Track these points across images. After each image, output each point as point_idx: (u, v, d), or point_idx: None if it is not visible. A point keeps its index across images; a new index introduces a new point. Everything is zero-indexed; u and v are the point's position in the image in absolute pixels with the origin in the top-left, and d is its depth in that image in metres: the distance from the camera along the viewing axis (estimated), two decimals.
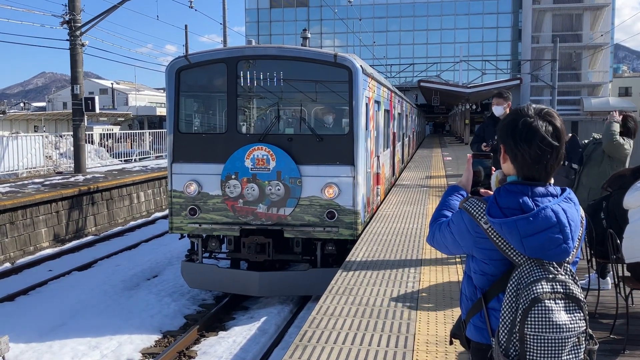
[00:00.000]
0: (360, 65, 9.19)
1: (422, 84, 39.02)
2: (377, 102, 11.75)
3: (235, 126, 9.46)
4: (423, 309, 5.91)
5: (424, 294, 6.40)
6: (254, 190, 9.24)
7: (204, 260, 10.05)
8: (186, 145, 9.60)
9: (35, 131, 37.07)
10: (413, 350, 4.90)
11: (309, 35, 11.41)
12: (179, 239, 10.41)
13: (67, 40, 19.69)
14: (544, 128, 2.24)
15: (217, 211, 9.48)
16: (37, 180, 18.60)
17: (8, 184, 17.36)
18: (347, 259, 7.82)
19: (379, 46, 65.91)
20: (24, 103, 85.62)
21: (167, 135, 9.87)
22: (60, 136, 25.07)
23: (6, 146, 19.43)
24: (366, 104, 9.82)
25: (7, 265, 13.55)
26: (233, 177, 9.29)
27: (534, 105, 2.32)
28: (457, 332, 2.58)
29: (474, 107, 44.03)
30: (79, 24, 19.54)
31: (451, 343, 2.67)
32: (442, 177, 18.20)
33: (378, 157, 11.83)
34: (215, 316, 9.56)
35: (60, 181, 18.23)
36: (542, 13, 63.03)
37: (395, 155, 16.79)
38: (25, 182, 18.05)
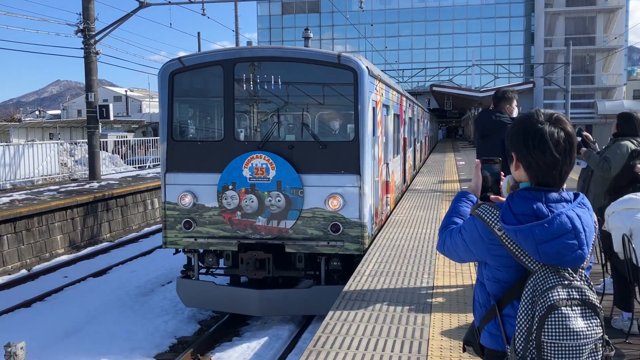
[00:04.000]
0: (366, 67, 8.64)
1: (434, 88, 38.94)
2: (386, 106, 11.19)
3: (232, 133, 8.86)
4: (437, 314, 5.89)
5: (438, 299, 6.37)
6: (252, 201, 8.63)
7: (200, 276, 9.47)
8: (180, 154, 9.01)
9: (51, 139, 37.43)
10: (427, 356, 4.89)
11: (311, 35, 10.80)
12: (174, 254, 9.70)
13: (81, 48, 19.90)
14: (556, 134, 2.24)
15: (214, 224, 8.87)
16: (52, 187, 18.78)
17: (24, 191, 17.54)
18: (360, 265, 7.81)
19: (391, 51, 65.87)
20: (39, 111, 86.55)
21: (160, 143, 9.32)
22: (75, 143, 25.28)
23: (22, 154, 19.64)
24: (373, 108, 9.28)
25: (24, 271, 13.68)
26: (230, 187, 8.68)
27: (543, 111, 2.31)
28: (470, 340, 2.56)
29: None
30: (93, 33, 19.74)
31: (464, 350, 2.66)
32: (455, 181, 18.13)
33: (387, 164, 11.28)
34: (228, 322, 9.58)
35: (75, 188, 18.39)
36: (554, 16, 62.69)
37: (406, 161, 16.24)
38: (41, 189, 18.22)
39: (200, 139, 9.57)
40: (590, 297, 2.15)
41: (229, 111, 8.84)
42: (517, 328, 2.17)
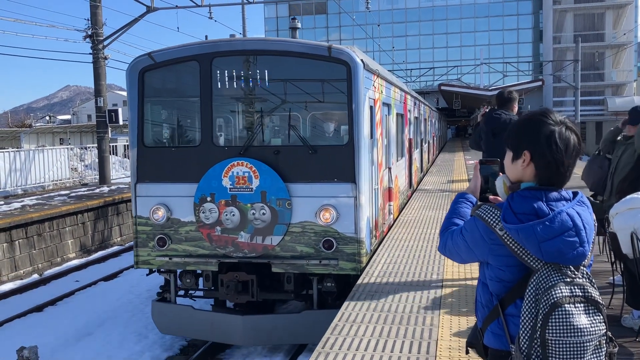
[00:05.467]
0: (361, 60, 7.65)
1: (442, 87, 38.85)
2: (387, 105, 10.20)
3: (210, 137, 7.86)
4: (446, 314, 5.88)
5: (446, 300, 6.36)
6: (233, 215, 7.67)
7: (179, 299, 8.45)
8: (152, 162, 8.05)
9: (61, 144, 37.71)
10: (436, 357, 4.88)
11: (299, 25, 9.70)
12: (147, 274, 8.70)
13: (90, 53, 20.05)
14: (572, 138, 2.30)
15: (191, 241, 7.92)
16: (63, 192, 18.91)
17: (35, 197, 17.68)
18: (369, 266, 7.80)
19: (399, 51, 65.80)
20: (50, 116, 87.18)
21: (129, 149, 8.29)
22: (85, 148, 25.46)
23: (33, 159, 19.80)
24: (371, 106, 8.28)
25: (35, 276, 13.79)
26: (208, 199, 7.72)
27: (553, 114, 2.34)
28: (473, 341, 2.57)
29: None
30: (101, 38, 19.88)
31: (467, 352, 2.66)
32: (464, 181, 18.08)
33: (389, 169, 10.33)
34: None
35: (85, 192, 18.51)
36: (563, 13, 62.37)
37: (412, 164, 15.19)
38: (52, 194, 18.37)
39: (175, 145, 8.44)
40: (593, 294, 2.16)
41: (207, 112, 7.87)
42: (521, 327, 2.18)
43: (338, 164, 7.59)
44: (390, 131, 10.64)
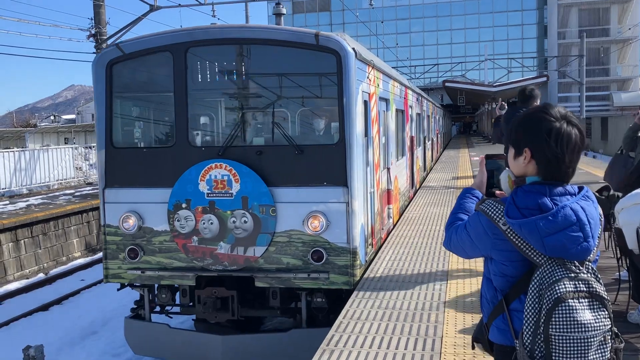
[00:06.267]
0: (353, 48, 6.88)
1: (447, 84, 38.79)
2: (385, 100, 9.44)
3: (185, 137, 7.15)
4: (451, 311, 5.86)
5: (451, 296, 6.34)
6: (212, 223, 6.98)
7: (154, 316, 7.75)
8: (122, 164, 7.34)
9: (66, 143, 37.83)
10: (441, 353, 4.86)
11: (284, 11, 8.78)
12: (118, 289, 7.87)
13: (93, 52, 20.06)
14: (574, 134, 2.26)
15: (165, 252, 7.21)
16: (68, 191, 18.96)
17: (40, 196, 17.73)
18: (373, 263, 7.79)
19: (403, 47, 65.72)
20: (54, 116, 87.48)
21: (97, 151, 7.56)
22: (90, 147, 25.51)
23: (38, 159, 19.86)
24: (365, 101, 7.58)
25: (41, 275, 13.84)
26: (184, 206, 7.02)
27: (556, 109, 2.30)
28: (478, 337, 2.56)
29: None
30: (105, 37, 19.89)
31: (473, 347, 2.65)
32: (469, 177, 18.03)
33: (388, 169, 9.60)
34: None
35: (90, 192, 18.55)
36: (567, 8, 62.15)
37: (414, 163, 14.47)
38: (57, 193, 18.42)
39: (147, 146, 7.71)
40: (598, 289, 2.13)
41: (181, 109, 7.16)
42: (524, 322, 2.17)
43: (328, 165, 6.88)
44: (389, 128, 9.91)
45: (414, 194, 14.25)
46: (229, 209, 6.94)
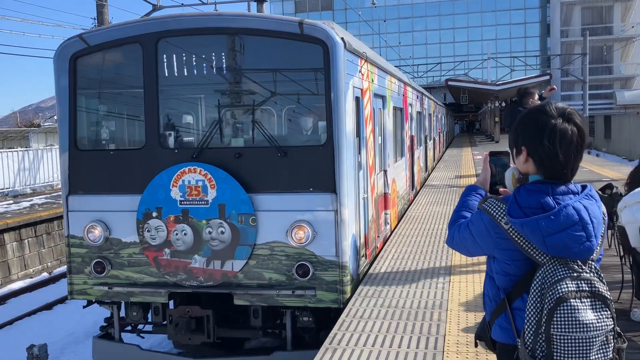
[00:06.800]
0: (342, 38, 6.19)
1: (449, 82, 38.74)
2: (380, 97, 8.77)
3: (156, 138, 6.48)
4: (454, 310, 5.87)
5: (454, 295, 6.35)
6: (185, 234, 6.32)
7: (126, 335, 7.14)
8: (87, 169, 6.69)
9: None
10: (443, 352, 4.87)
11: None
12: (84, 307, 7.16)
13: None
14: (569, 131, 2.22)
15: (135, 266, 6.57)
16: None
17: (44, 196, 17.78)
18: (376, 262, 7.79)
19: (405, 46, 65.65)
20: None
21: (59, 153, 6.90)
22: None
23: (41, 158, 19.90)
24: (357, 97, 6.91)
25: (45, 274, 13.88)
26: (154, 215, 6.37)
27: (555, 105, 2.29)
28: (481, 335, 2.56)
29: (503, 104, 43.53)
30: None
31: (476, 345, 2.65)
32: (472, 176, 18.01)
33: (385, 171, 8.97)
34: None
35: None
36: (570, 6, 62.01)
37: (414, 164, 13.77)
38: (60, 192, 18.45)
39: (114, 148, 7.02)
40: (600, 289, 2.13)
41: (152, 107, 6.50)
42: (526, 321, 2.16)
43: (314, 169, 6.21)
44: (386, 128, 9.26)
45: (414, 197, 13.69)
46: (204, 218, 6.28)
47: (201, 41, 6.54)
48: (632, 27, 56.02)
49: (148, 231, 6.39)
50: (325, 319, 6.40)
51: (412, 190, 13.41)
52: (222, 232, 6.26)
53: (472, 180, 16.83)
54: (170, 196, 6.32)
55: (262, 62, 6.58)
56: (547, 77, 40.27)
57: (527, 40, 67.85)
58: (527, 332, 2.15)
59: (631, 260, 5.55)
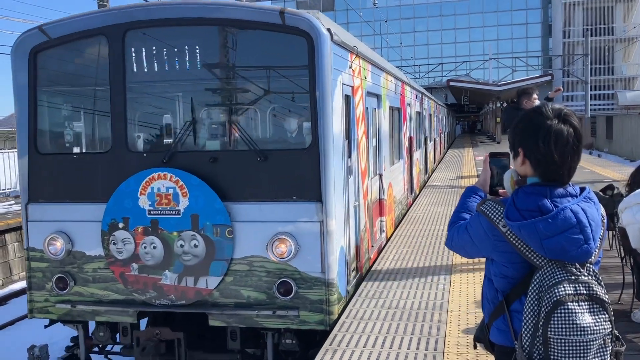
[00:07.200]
0: (329, 29, 5.57)
1: (451, 83, 38.77)
2: (375, 96, 8.26)
3: (124, 140, 5.86)
4: (454, 311, 5.87)
5: (454, 296, 6.35)
6: (154, 247, 5.71)
7: (94, 357, 6.58)
8: (49, 174, 6.10)
9: None
10: (443, 353, 4.87)
11: None
12: (46, 326, 6.53)
13: None
14: (565, 132, 2.22)
15: (100, 283, 5.96)
16: None
17: None
18: (377, 262, 7.79)
19: (407, 47, 65.64)
20: None
21: (18, 158, 6.29)
22: None
23: None
24: (347, 96, 6.35)
25: None
26: (121, 225, 5.75)
27: (551, 106, 2.29)
28: (480, 336, 2.56)
29: (504, 104, 43.54)
30: None
31: (475, 347, 2.66)
32: (473, 176, 18.02)
33: (380, 176, 8.49)
34: None
35: None
36: (572, 7, 61.95)
37: (413, 166, 13.23)
38: None
39: (78, 151, 6.39)
40: (598, 292, 2.13)
41: (118, 106, 5.88)
42: (523, 324, 2.17)
43: (298, 175, 5.60)
44: (381, 129, 8.76)
45: (414, 200, 13.29)
46: (175, 229, 5.67)
47: (172, 33, 5.88)
48: (634, 27, 55.94)
49: (114, 244, 5.79)
50: (308, 341, 5.85)
51: (411, 194, 12.99)
52: (195, 246, 5.66)
53: (473, 181, 16.83)
54: (138, 205, 5.71)
55: (240, 56, 5.95)
56: (549, 78, 40.27)
57: (528, 41, 67.83)
58: (524, 335, 2.15)
59: (632, 261, 5.55)
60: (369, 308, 6.04)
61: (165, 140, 6.22)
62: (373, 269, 7.46)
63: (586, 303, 2.10)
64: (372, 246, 7.74)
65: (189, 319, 6.00)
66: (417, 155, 14.59)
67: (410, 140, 12.88)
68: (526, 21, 67.82)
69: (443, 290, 6.56)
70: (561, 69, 52.36)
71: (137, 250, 5.74)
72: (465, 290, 6.55)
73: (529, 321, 2.14)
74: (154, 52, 5.89)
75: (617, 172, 17.15)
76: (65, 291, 6.02)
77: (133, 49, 5.89)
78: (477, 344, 2.63)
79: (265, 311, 5.61)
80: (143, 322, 6.31)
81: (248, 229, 5.62)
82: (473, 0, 68.42)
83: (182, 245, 5.66)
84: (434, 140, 22.09)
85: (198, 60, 5.88)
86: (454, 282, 6.88)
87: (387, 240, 9.05)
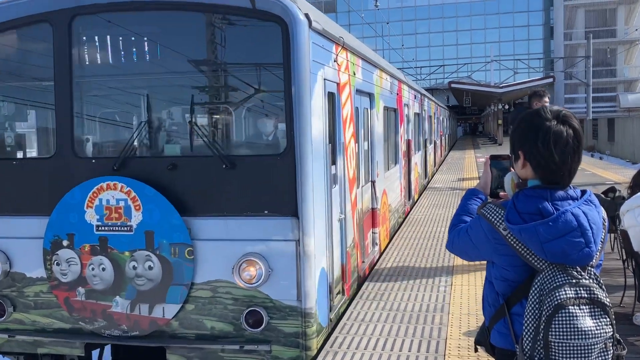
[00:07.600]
0: (306, 15, 4.77)
1: (452, 85, 38.78)
2: (366, 94, 7.51)
3: (69, 144, 5.05)
4: (455, 313, 5.87)
5: (455, 298, 6.34)
6: (103, 269, 4.94)
7: None
8: None
9: None
10: (445, 355, 4.87)
11: None
12: None
13: None
14: (564, 133, 2.21)
15: (43, 309, 5.19)
16: None
17: None
18: (377, 264, 7.78)
19: (408, 49, 65.68)
20: None
21: None
22: None
23: None
24: (330, 93, 5.54)
25: None
26: (65, 243, 4.98)
27: (550, 108, 2.29)
28: (481, 339, 2.56)
29: (506, 107, 43.52)
30: None
31: (476, 350, 2.65)
32: (474, 178, 18.01)
33: (373, 182, 7.82)
34: None
35: None
36: (574, 9, 61.97)
37: (411, 171, 12.58)
38: None
39: (18, 157, 5.60)
40: (599, 296, 2.12)
41: (64, 103, 5.07)
42: (524, 327, 2.16)
43: (270, 185, 4.79)
44: (374, 131, 8.01)
45: (412, 207, 12.67)
46: (127, 249, 4.90)
47: (128, 19, 5.06)
48: (636, 30, 55.94)
49: (57, 264, 5.00)
50: None
51: (409, 200, 12.33)
52: (150, 268, 4.87)
53: (475, 183, 16.77)
54: (84, 220, 4.93)
55: (205, 46, 5.15)
56: (551, 80, 40.34)
57: (530, 43, 67.87)
58: (525, 338, 2.15)
59: (633, 264, 5.54)
60: (370, 310, 6.03)
61: (117, 144, 5.34)
62: (374, 269, 7.45)
63: (587, 306, 2.10)
64: (363, 262, 7.06)
65: (143, 352, 5.29)
66: (416, 158, 14.05)
67: (408, 143, 12.28)
68: (528, 23, 67.86)
69: (444, 293, 6.55)
70: (563, 71, 52.33)
71: (83, 272, 4.97)
72: (466, 293, 6.54)
73: (530, 324, 2.14)
74: (106, 41, 5.10)
75: (619, 175, 17.13)
76: (2, 318, 5.27)
77: (82, 38, 5.12)
78: (478, 347, 2.62)
79: (231, 345, 4.83)
80: (95, 354, 5.59)
81: (211, 248, 4.84)
82: (475, 3, 68.47)
83: (134, 267, 4.90)
84: (435, 142, 21.79)
85: (157, 51, 5.10)
86: (455, 284, 6.87)
87: (382, 251, 8.48)
